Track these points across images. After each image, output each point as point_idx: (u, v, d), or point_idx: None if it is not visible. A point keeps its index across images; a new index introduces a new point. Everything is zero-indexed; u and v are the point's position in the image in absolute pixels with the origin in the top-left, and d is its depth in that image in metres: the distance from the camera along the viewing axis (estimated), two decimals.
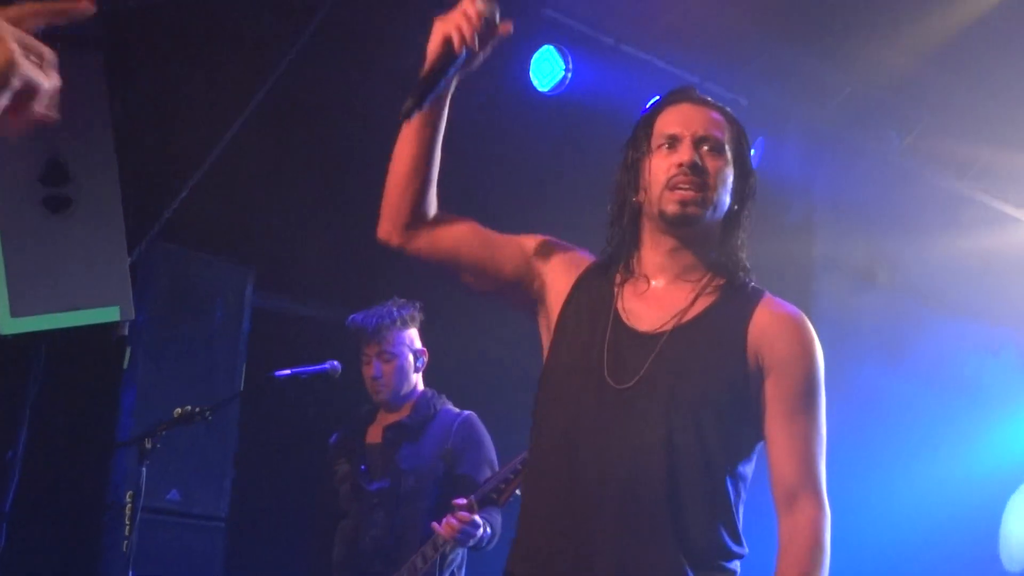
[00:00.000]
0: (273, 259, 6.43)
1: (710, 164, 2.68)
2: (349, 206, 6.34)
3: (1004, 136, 7.12)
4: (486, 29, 2.54)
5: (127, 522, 4.73)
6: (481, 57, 2.59)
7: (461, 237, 2.83)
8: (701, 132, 2.70)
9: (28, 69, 1.46)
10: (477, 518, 4.14)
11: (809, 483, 2.61)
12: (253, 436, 6.30)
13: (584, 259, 2.86)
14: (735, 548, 2.63)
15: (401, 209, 2.77)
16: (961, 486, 7.65)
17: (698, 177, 2.65)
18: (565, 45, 5.91)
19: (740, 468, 2.66)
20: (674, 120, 2.74)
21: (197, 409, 4.84)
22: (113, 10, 5.22)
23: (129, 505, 4.74)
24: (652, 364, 2.61)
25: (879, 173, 7.29)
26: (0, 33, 1.44)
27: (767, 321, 2.67)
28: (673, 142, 2.70)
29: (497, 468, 4.45)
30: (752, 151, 2.89)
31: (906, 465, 7.43)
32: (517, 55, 5.83)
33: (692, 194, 2.65)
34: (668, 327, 2.66)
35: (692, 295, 2.70)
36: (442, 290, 4.48)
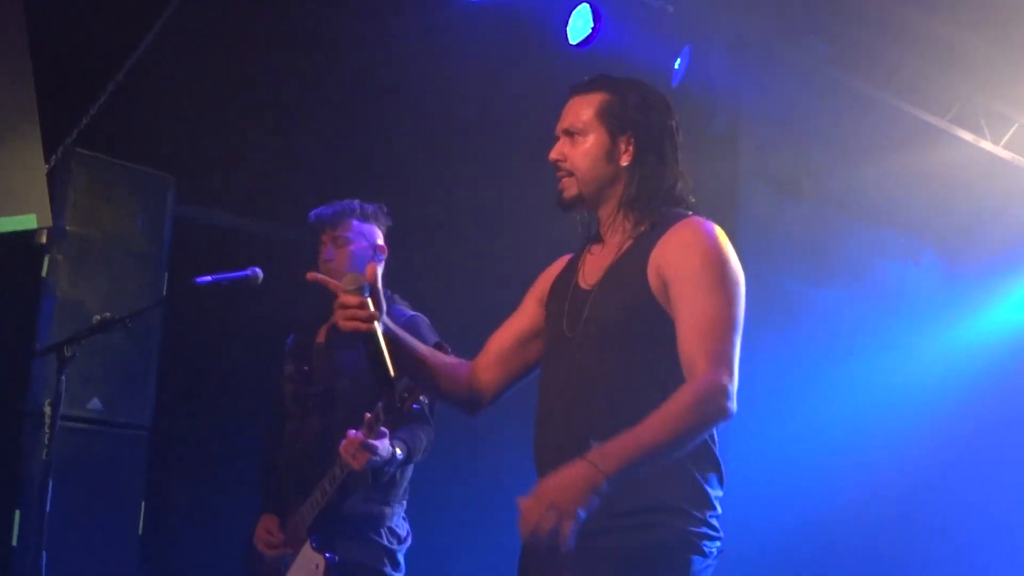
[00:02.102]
0: (196, 168, 6.33)
1: (569, 151, 3.01)
2: (274, 115, 6.27)
3: (929, 47, 7.16)
4: (362, 303, 2.88)
5: (47, 431, 4.69)
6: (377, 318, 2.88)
7: (505, 360, 3.20)
8: (565, 125, 3.04)
9: None
10: (378, 442, 3.99)
11: (708, 351, 2.71)
12: (178, 346, 6.26)
13: (561, 261, 3.24)
14: (702, 463, 2.83)
15: (459, 403, 3.23)
16: (883, 392, 7.79)
17: (562, 168, 3.03)
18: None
19: (679, 380, 2.74)
20: (560, 121, 3.08)
21: (117, 317, 4.78)
22: None
23: (48, 413, 4.69)
24: (588, 312, 2.92)
25: (805, 84, 7.30)
26: None
27: (666, 242, 2.88)
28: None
29: None
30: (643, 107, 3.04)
31: (829, 373, 7.53)
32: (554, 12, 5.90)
33: (561, 183, 3.04)
34: (599, 278, 2.97)
35: (618, 247, 2.99)
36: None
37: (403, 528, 4.41)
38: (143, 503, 6.00)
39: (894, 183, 7.90)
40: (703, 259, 2.81)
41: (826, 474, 7.39)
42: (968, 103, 7.89)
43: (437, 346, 3.98)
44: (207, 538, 6.23)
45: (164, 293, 5.96)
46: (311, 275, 2.96)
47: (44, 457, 4.63)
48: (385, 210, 4.67)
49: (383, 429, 4.00)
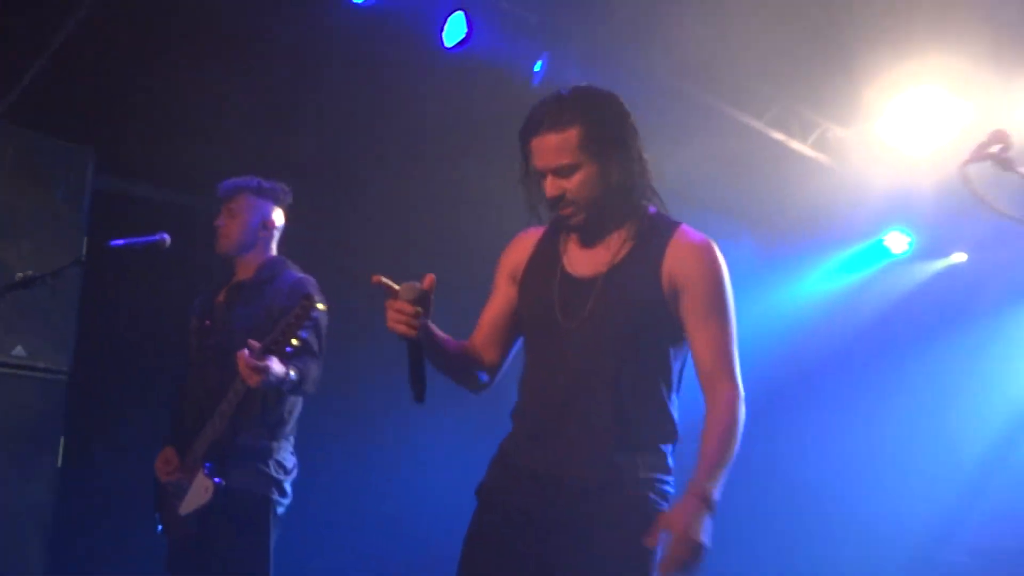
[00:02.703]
0: (116, 142, 6.20)
1: (566, 185, 2.87)
2: (188, 91, 6.15)
3: (752, 59, 7.26)
4: (416, 313, 2.75)
5: None
6: (425, 326, 2.80)
7: (501, 339, 3.12)
8: (553, 164, 2.87)
9: None
10: (271, 362, 3.92)
11: (725, 369, 2.86)
12: (99, 301, 6.17)
13: (534, 234, 3.12)
14: (668, 432, 2.92)
15: (468, 383, 3.13)
16: None
17: (564, 203, 2.89)
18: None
19: (671, 372, 2.92)
20: (537, 156, 2.91)
21: (39, 274, 4.67)
22: None
23: None
24: (590, 307, 2.86)
25: (645, 89, 7.36)
26: None
27: (678, 252, 2.89)
28: (541, 177, 2.91)
29: (323, 328, 4.33)
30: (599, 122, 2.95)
31: None
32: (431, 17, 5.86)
33: (568, 215, 2.91)
34: (602, 272, 2.90)
35: (618, 244, 2.93)
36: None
37: (290, 461, 4.39)
38: (62, 439, 5.90)
39: (719, 175, 8.01)
40: (718, 283, 2.89)
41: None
42: (782, 108, 8.03)
43: (304, 305, 4.00)
44: (121, 471, 6.14)
45: (83, 254, 5.82)
46: (376, 278, 2.76)
47: None
48: (284, 189, 4.61)
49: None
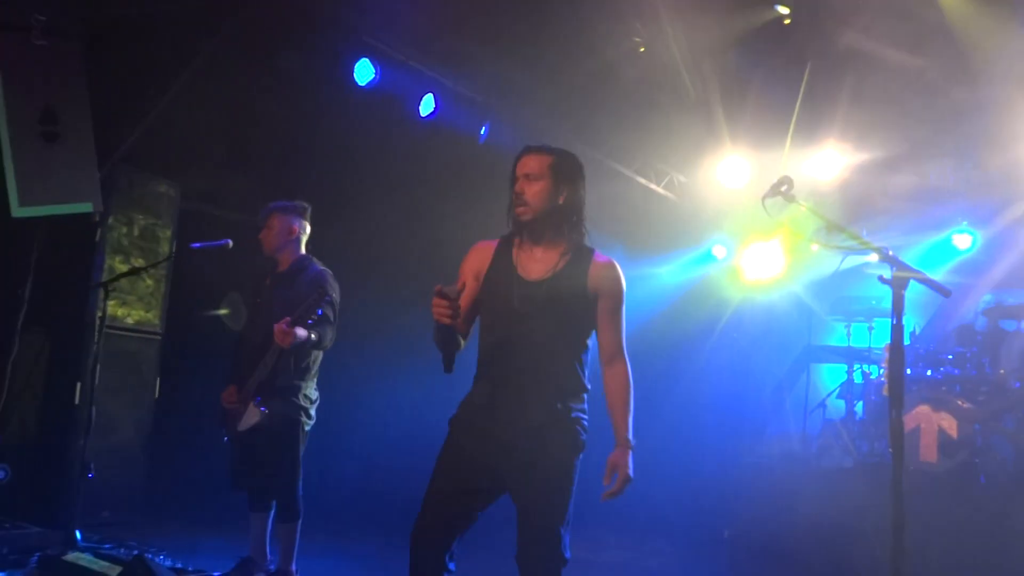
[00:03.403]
0: (197, 178, 6.10)
1: (528, 188, 2.83)
2: (245, 145, 6.06)
3: (628, 127, 7.31)
4: (451, 305, 2.63)
5: (97, 335, 4.48)
6: (457, 314, 2.65)
7: (469, 319, 2.93)
8: (526, 171, 2.85)
9: None
10: (297, 329, 3.95)
11: (621, 350, 2.90)
12: (181, 286, 6.06)
13: (490, 245, 2.96)
14: (585, 387, 2.89)
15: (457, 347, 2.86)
16: None
17: (521, 201, 2.83)
18: (374, 58, 5.71)
19: (586, 348, 2.92)
20: (519, 167, 2.87)
21: (141, 267, 4.58)
22: (94, 16, 4.85)
23: (98, 324, 4.49)
24: (539, 300, 2.80)
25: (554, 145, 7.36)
26: None
27: (599, 268, 2.86)
28: (516, 180, 2.86)
29: (336, 304, 4.28)
30: (567, 171, 2.90)
31: None
32: (343, 63, 5.63)
33: (520, 213, 2.84)
34: (547, 276, 2.83)
35: (556, 258, 2.85)
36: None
37: (314, 394, 4.33)
38: (158, 379, 5.80)
39: (602, 206, 8.03)
40: (621, 291, 2.88)
41: None
42: (644, 162, 8.11)
43: (321, 291, 3.97)
44: (199, 401, 6.04)
45: (172, 252, 5.73)
46: (438, 287, 2.61)
47: (95, 350, 4.45)
48: (304, 205, 4.50)
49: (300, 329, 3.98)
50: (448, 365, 2.72)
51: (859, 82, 6.27)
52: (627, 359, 2.89)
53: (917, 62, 5.91)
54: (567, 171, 2.87)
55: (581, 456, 2.82)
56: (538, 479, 2.75)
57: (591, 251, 2.91)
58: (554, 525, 2.72)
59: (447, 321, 2.62)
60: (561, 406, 2.80)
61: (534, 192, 2.81)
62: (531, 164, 2.84)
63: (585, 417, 2.86)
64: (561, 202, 2.84)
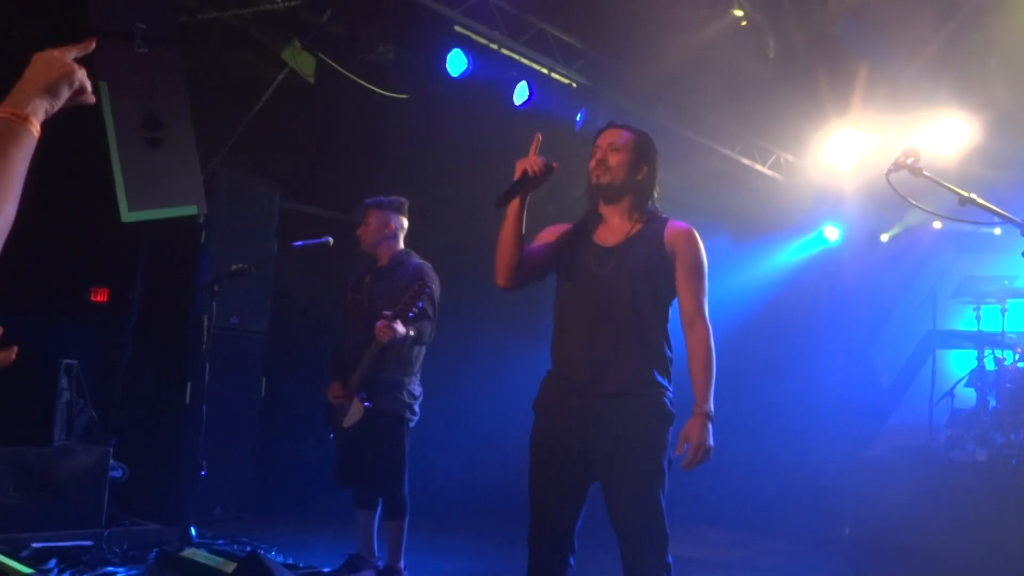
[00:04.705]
0: (295, 179, 6.21)
1: (611, 156, 2.89)
2: (348, 151, 6.16)
3: (729, 108, 7.11)
4: (545, 167, 2.76)
5: (205, 335, 4.60)
6: (540, 181, 2.77)
7: (535, 266, 2.92)
8: (610, 140, 2.92)
9: (82, 75, 1.51)
10: (397, 325, 3.95)
11: (701, 313, 2.84)
12: (284, 285, 6.20)
13: (563, 225, 3.02)
14: (667, 355, 2.85)
15: (508, 270, 2.87)
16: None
17: (602, 165, 2.89)
18: (466, 48, 5.70)
19: (666, 314, 2.90)
20: (602, 138, 2.95)
21: (246, 266, 4.68)
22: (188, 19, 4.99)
23: (206, 325, 4.60)
24: (615, 261, 2.83)
25: (653, 129, 7.22)
26: (64, 57, 1.49)
27: (674, 231, 2.87)
28: (597, 150, 2.92)
29: (436, 297, 4.28)
30: (646, 148, 2.97)
31: None
32: (436, 54, 5.61)
33: (596, 172, 2.90)
34: (620, 242, 2.87)
35: (630, 225, 2.89)
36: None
37: (418, 390, 4.33)
38: (264, 379, 5.95)
39: (704, 189, 7.87)
40: (698, 255, 2.86)
41: None
42: (747, 142, 7.87)
43: (420, 284, 3.98)
44: (303, 399, 6.18)
45: (274, 251, 5.85)
46: (537, 135, 2.81)
47: (203, 351, 4.57)
48: (402, 201, 4.52)
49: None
50: (501, 200, 2.76)
51: (984, 44, 5.91)
52: (708, 324, 2.82)
53: None
54: (648, 150, 2.96)
55: (671, 429, 2.77)
56: (627, 457, 2.70)
57: (666, 219, 2.94)
58: (650, 521, 2.68)
59: (531, 170, 2.73)
60: (642, 372, 2.76)
61: (617, 161, 2.89)
62: (615, 135, 2.93)
63: (668, 387, 2.81)
64: (640, 178, 2.91)
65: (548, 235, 3.00)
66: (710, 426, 2.71)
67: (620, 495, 2.70)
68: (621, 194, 2.90)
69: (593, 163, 2.91)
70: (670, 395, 2.81)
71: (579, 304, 2.85)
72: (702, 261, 2.86)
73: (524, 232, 2.84)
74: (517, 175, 2.77)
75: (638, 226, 2.88)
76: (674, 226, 2.88)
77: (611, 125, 3.00)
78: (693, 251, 2.85)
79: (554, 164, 2.77)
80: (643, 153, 2.93)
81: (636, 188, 2.90)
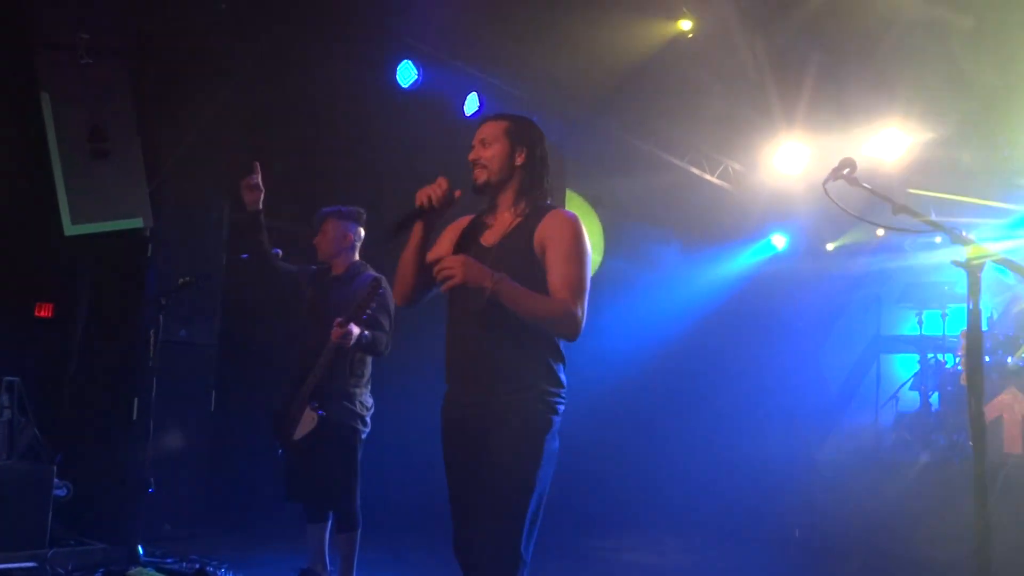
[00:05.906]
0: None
1: (482, 152, 2.81)
2: (300, 158, 6.13)
3: (681, 118, 7.25)
4: (445, 198, 2.68)
5: (151, 349, 4.56)
6: (440, 212, 2.71)
7: (433, 282, 2.74)
8: (480, 137, 2.84)
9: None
10: (351, 327, 3.99)
11: (572, 296, 2.65)
12: (234, 297, 6.12)
13: (463, 220, 2.94)
14: (548, 363, 2.72)
15: (406, 292, 2.85)
16: (650, 319, 7.80)
17: (477, 164, 2.81)
18: (416, 59, 5.75)
19: None
20: (475, 135, 2.87)
21: (193, 279, 4.65)
22: (138, 32, 4.97)
23: (152, 339, 4.57)
24: (490, 263, 2.63)
25: (605, 140, 7.34)
26: None
27: (548, 222, 2.74)
28: (472, 149, 2.86)
29: (391, 309, 4.29)
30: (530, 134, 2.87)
31: (616, 310, 7.54)
32: (386, 64, 5.64)
33: (475, 173, 2.82)
34: (496, 242, 2.77)
35: (512, 219, 2.79)
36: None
37: (369, 401, 4.34)
38: (213, 392, 5.89)
39: (655, 198, 8.00)
40: (572, 240, 2.70)
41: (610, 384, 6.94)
42: (696, 151, 8.02)
43: (373, 285, 3.99)
44: (252, 413, 6.12)
45: (223, 264, 5.81)
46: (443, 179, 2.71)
47: (150, 365, 4.53)
48: (359, 211, 4.54)
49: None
50: (394, 231, 2.69)
51: (924, 54, 6.12)
52: (577, 306, 2.63)
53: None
54: (525, 133, 2.84)
55: (550, 436, 2.66)
56: (497, 457, 2.64)
57: (549, 208, 2.80)
58: (511, 516, 2.61)
59: (425, 202, 2.66)
60: (519, 380, 2.66)
61: (490, 155, 2.79)
62: (486, 130, 2.84)
63: (554, 392, 2.70)
64: (519, 163, 2.80)
65: (446, 239, 2.90)
66: (479, 285, 2.55)
67: (484, 485, 2.71)
68: (503, 186, 2.81)
69: (471, 159, 2.83)
70: (554, 399, 2.71)
71: (458, 309, 2.77)
72: (578, 247, 2.71)
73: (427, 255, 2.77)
74: (416, 203, 2.70)
75: (518, 220, 2.78)
76: (551, 218, 2.75)
77: (484, 118, 2.90)
78: (566, 236, 2.70)
79: (456, 192, 2.69)
80: (519, 138, 2.81)
81: (516, 177, 2.80)
